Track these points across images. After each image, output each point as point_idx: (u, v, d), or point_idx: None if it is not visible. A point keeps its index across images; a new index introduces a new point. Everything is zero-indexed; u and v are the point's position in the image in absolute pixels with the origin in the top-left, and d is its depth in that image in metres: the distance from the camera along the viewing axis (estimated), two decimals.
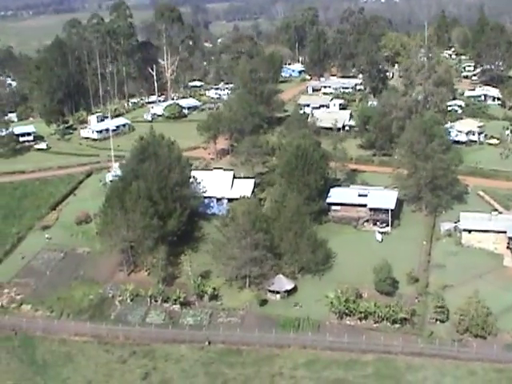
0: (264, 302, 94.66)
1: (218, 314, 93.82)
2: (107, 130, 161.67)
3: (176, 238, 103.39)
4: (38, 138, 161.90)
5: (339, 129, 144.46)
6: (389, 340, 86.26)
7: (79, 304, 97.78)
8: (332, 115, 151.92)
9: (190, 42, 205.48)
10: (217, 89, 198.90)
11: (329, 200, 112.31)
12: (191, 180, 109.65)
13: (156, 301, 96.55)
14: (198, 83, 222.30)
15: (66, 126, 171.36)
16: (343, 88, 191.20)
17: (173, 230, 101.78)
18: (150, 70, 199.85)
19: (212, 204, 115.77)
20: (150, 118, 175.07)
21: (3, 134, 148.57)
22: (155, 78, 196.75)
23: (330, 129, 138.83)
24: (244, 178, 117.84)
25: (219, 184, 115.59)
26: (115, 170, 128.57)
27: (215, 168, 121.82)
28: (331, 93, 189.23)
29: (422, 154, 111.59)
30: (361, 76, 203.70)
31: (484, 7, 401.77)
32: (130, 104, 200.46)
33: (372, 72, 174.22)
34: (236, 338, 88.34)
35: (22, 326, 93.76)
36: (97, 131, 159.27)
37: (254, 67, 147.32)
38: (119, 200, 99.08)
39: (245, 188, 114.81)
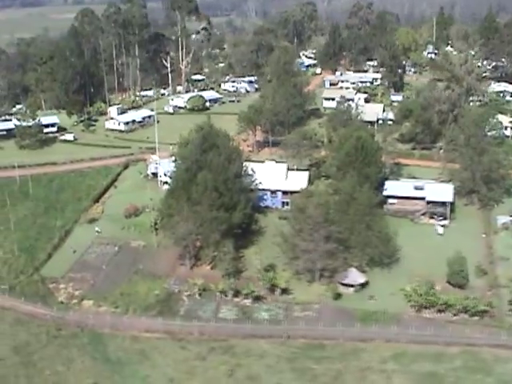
0: (338, 296, 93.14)
1: (292, 308, 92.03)
2: (133, 121, 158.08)
3: (240, 231, 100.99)
4: (61, 129, 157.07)
5: (371, 122, 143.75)
6: (471, 332, 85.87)
7: (145, 299, 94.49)
8: (372, 109, 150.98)
9: (204, 34, 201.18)
10: (233, 82, 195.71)
11: (385, 193, 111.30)
12: (248, 172, 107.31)
13: (226, 295, 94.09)
14: (199, 77, 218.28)
15: (87, 117, 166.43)
16: (361, 82, 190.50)
17: (238, 223, 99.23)
18: (164, 62, 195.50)
19: (265, 197, 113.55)
20: (171, 111, 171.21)
21: (30, 124, 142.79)
22: (169, 69, 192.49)
23: (369, 122, 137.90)
24: (297, 170, 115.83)
25: (273, 176, 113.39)
26: (157, 162, 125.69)
27: (266, 160, 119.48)
28: (348, 87, 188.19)
29: (477, 148, 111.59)
30: (371, 70, 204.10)
31: (456, 6, 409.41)
32: (141, 96, 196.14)
33: (394, 66, 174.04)
34: (317, 333, 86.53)
35: (87, 323, 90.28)
36: (124, 123, 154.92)
37: (288, 59, 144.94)
38: (186, 192, 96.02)
39: (299, 180, 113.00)
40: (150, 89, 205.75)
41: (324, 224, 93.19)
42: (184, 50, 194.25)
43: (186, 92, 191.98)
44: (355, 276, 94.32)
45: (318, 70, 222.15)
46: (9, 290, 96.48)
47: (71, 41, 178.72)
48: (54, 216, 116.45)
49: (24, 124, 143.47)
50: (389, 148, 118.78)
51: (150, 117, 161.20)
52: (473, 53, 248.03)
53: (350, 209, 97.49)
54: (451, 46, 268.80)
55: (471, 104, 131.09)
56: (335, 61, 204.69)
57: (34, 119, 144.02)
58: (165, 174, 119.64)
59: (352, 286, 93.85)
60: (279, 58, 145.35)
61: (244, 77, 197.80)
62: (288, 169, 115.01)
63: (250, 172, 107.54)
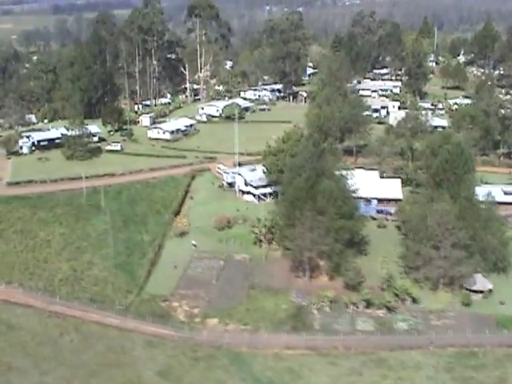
0: (467, 303, 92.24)
1: (427, 317, 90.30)
2: (178, 130, 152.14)
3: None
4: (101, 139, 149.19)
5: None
6: None
7: (274, 315, 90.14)
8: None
9: (223, 41, 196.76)
10: (255, 90, 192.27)
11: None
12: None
13: (357, 307, 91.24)
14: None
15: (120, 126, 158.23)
16: (381, 90, 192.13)
17: (356, 231, 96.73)
18: (183, 70, 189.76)
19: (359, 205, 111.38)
20: (204, 119, 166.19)
21: (79, 133, 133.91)
22: (188, 77, 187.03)
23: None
24: (388, 177, 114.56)
25: (365, 184, 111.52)
26: (233, 172, 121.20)
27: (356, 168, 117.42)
28: (370, 95, 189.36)
29: None
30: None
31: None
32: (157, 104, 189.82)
33: (420, 74, 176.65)
34: (464, 340, 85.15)
35: (221, 342, 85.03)
36: (169, 132, 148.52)
37: (340, 65, 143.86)
38: (308, 201, 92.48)
39: (392, 188, 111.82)
40: (159, 97, 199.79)
41: (453, 231, 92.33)
42: (203, 58, 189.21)
43: (212, 99, 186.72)
44: (483, 282, 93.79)
45: None
46: (124, 311, 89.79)
47: (93, 47, 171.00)
48: (136, 230, 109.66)
49: (72, 133, 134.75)
50: None
51: (191, 125, 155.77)
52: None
53: (468, 215, 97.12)
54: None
55: None
56: (353, 69, 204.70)
57: (82, 128, 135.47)
58: (249, 184, 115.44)
59: (481, 292, 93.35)
60: (330, 65, 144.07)
61: (267, 85, 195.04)
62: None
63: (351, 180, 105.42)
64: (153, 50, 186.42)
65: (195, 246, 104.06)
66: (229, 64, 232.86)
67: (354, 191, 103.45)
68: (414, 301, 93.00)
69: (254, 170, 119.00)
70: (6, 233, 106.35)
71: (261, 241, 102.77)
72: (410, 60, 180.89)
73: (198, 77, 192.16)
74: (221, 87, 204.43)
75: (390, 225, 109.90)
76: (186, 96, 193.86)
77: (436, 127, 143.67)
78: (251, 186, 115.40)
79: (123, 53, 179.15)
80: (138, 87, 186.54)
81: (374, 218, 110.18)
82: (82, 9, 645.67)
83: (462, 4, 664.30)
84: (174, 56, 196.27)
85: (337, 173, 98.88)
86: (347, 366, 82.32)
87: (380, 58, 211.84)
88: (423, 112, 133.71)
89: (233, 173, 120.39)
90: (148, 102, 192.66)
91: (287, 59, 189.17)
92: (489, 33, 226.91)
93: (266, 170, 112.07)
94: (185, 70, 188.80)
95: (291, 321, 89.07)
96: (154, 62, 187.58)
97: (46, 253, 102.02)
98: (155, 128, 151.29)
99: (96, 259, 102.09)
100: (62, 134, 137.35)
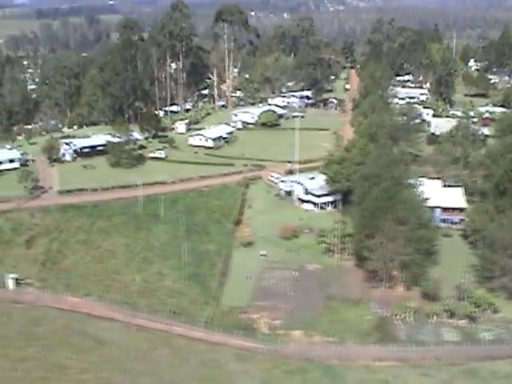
0: None
1: (509, 327, 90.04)
2: (220, 137, 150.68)
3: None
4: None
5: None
6: None
7: (358, 326, 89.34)
8: (444, 123, 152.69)
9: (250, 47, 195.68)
10: (283, 97, 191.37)
11: None
12: None
13: (440, 317, 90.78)
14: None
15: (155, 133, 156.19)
16: (409, 98, 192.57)
17: (433, 241, 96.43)
18: (210, 75, 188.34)
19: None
20: (240, 126, 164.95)
21: (125, 140, 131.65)
22: (215, 83, 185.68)
23: None
24: (450, 186, 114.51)
25: (429, 193, 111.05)
26: (291, 180, 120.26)
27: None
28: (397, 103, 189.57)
29: None
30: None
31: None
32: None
33: (450, 82, 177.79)
34: None
35: (309, 355, 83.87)
36: (212, 139, 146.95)
37: (379, 73, 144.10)
38: (392, 210, 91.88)
39: (455, 197, 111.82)
40: (172, 104, 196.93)
41: None
42: (231, 64, 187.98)
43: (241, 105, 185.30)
44: None
45: (348, 86, 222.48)
46: (208, 323, 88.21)
47: (124, 52, 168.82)
48: (200, 240, 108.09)
49: (118, 140, 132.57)
50: None
51: (231, 133, 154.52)
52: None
53: None
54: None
55: None
56: None
57: (128, 135, 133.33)
58: (310, 193, 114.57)
59: None
60: (373, 72, 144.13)
61: (294, 91, 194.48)
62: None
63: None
64: (180, 56, 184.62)
65: (264, 256, 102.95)
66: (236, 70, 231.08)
67: (425, 200, 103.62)
68: (494, 311, 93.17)
69: (312, 178, 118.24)
70: (69, 243, 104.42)
71: (332, 251, 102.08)
72: (441, 68, 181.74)
73: (225, 83, 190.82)
74: (237, 93, 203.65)
75: (455, 234, 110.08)
76: (214, 102, 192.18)
77: (487, 136, 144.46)
78: (312, 194, 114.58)
79: (153, 58, 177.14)
80: (167, 93, 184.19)
81: (438, 227, 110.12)
82: (66, 13, 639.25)
83: (448, 11, 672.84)
84: (199, 61, 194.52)
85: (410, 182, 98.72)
86: (440, 378, 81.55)
87: (404, 66, 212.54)
88: (468, 120, 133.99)
89: (291, 181, 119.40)
90: (174, 108, 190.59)
91: (318, 66, 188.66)
92: (507, 40, 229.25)
93: (329, 179, 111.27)
94: (212, 75, 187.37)
95: (376, 332, 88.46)
96: (181, 68, 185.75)
97: (114, 264, 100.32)
98: (197, 135, 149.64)
99: (165, 270, 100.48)
100: (107, 141, 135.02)
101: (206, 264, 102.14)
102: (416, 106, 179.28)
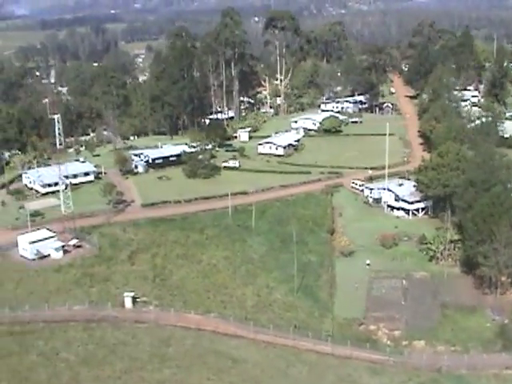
0: None
1: None
2: (290, 145, 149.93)
3: None
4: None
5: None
6: None
7: (481, 334, 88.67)
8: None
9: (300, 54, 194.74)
10: (337, 102, 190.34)
11: None
12: None
13: None
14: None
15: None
16: (461, 100, 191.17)
17: None
18: (263, 83, 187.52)
19: None
20: (302, 133, 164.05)
21: (203, 150, 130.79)
22: (268, 90, 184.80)
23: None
24: None
25: None
26: (380, 187, 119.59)
27: None
28: None
29: None
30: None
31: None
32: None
33: (505, 83, 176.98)
34: None
35: (439, 365, 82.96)
36: (282, 147, 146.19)
37: (448, 76, 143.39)
38: (505, 216, 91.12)
39: None
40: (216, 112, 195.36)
41: None
42: (283, 71, 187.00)
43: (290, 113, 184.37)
44: None
45: (393, 89, 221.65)
46: (332, 337, 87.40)
47: (182, 61, 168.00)
48: (298, 250, 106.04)
49: (195, 150, 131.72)
50: None
51: (298, 140, 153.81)
52: None
53: None
54: None
55: None
56: (425, 80, 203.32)
57: (203, 145, 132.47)
58: (401, 199, 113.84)
59: None
60: (441, 76, 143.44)
61: (349, 96, 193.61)
62: None
63: None
64: (232, 63, 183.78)
65: (369, 265, 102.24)
66: None
67: None
68: None
69: (401, 184, 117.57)
70: (171, 258, 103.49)
71: (437, 258, 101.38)
72: (495, 70, 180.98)
73: (278, 89, 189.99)
74: (278, 100, 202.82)
75: None
76: (271, 108, 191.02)
77: None
78: (404, 201, 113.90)
79: (209, 66, 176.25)
80: (224, 100, 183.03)
81: None
82: (70, 24, 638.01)
83: (451, 12, 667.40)
84: (248, 69, 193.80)
85: None
86: None
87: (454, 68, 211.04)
88: None
89: (379, 188, 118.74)
90: (218, 116, 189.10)
91: (373, 70, 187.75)
92: None
93: (422, 185, 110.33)
94: (265, 82, 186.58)
95: (499, 339, 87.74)
96: (234, 75, 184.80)
97: (220, 278, 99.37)
98: (266, 143, 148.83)
99: (271, 283, 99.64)
100: (183, 151, 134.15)
101: (310, 275, 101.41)
102: (474, 108, 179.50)
